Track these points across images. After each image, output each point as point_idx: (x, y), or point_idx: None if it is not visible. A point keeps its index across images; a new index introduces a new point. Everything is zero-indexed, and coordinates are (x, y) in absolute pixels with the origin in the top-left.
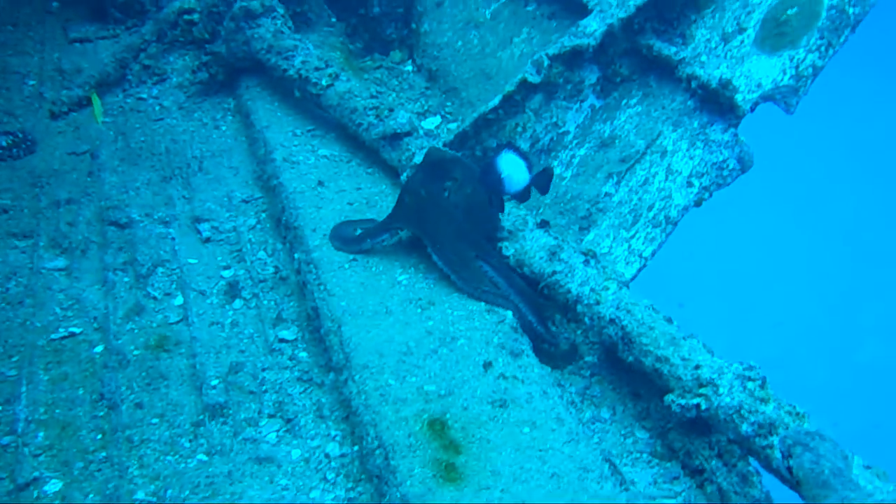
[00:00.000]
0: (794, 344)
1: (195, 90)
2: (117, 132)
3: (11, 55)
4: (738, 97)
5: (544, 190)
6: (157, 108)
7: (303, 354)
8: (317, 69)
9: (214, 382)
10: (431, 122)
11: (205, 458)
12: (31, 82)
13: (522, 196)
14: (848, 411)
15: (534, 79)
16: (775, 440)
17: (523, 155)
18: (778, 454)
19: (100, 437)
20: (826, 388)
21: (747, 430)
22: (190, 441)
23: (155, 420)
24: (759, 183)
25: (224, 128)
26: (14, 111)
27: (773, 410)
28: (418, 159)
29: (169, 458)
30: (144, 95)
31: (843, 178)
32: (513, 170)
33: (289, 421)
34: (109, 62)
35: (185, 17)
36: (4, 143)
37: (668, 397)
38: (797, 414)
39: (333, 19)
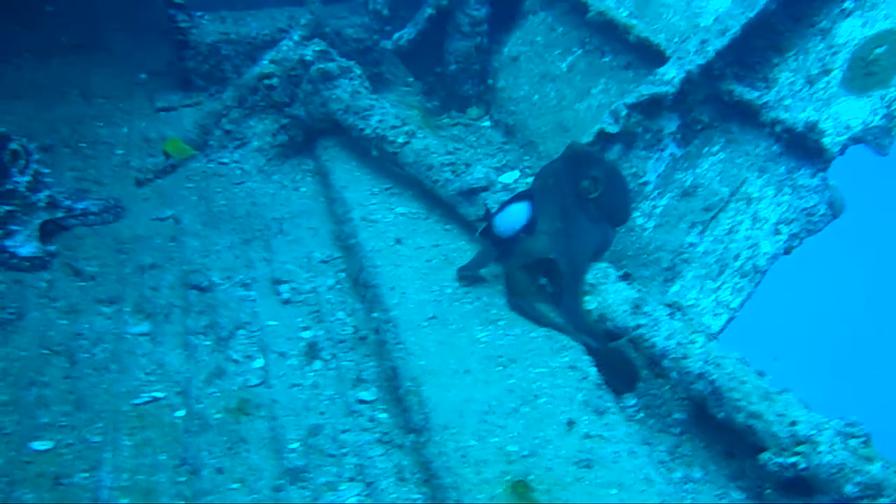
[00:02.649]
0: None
1: (275, 153)
2: (200, 197)
3: (102, 126)
4: (826, 140)
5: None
6: (238, 171)
7: (383, 416)
8: (393, 127)
9: (294, 446)
10: (510, 177)
11: None
12: (119, 151)
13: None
14: None
15: (612, 129)
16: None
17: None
18: None
19: (181, 502)
20: None
21: (852, 491)
22: None
23: (235, 485)
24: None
25: (303, 189)
26: (102, 180)
27: (879, 470)
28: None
29: None
30: (226, 160)
31: None
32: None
33: (369, 484)
34: (192, 128)
35: (265, 81)
36: (95, 209)
37: (764, 455)
38: None
39: (410, 79)
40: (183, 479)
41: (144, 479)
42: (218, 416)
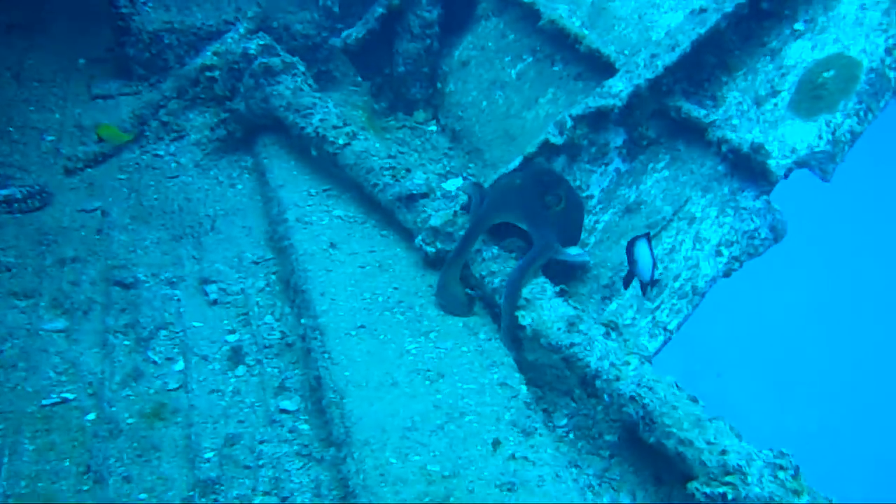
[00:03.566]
0: (839, 412)
1: (213, 148)
2: (131, 189)
3: (34, 111)
4: (772, 162)
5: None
6: (174, 165)
7: (304, 427)
8: (334, 127)
9: (209, 455)
10: (453, 184)
11: None
12: (50, 138)
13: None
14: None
15: (556, 140)
16: None
17: (653, 252)
18: None
19: None
20: (875, 459)
21: None
22: None
23: (142, 495)
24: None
25: (240, 186)
26: (29, 167)
27: None
28: (434, 222)
29: None
30: (161, 152)
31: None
32: (645, 259)
33: (284, 499)
34: (128, 118)
35: (207, 73)
36: (19, 195)
37: (692, 485)
38: None
39: (359, 78)
40: (86, 487)
41: (44, 487)
42: (131, 420)
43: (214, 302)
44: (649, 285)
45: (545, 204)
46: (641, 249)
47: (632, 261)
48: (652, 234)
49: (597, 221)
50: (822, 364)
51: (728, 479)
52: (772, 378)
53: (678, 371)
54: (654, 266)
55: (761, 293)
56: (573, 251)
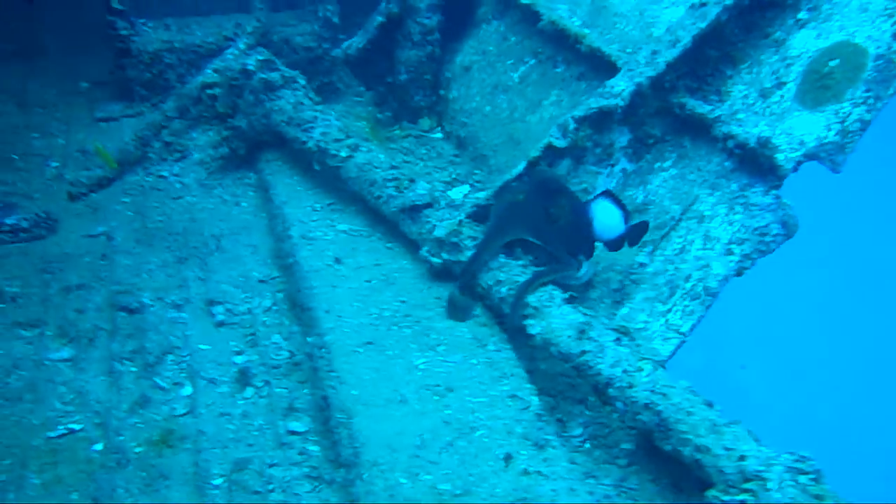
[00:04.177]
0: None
1: (216, 166)
2: (135, 212)
3: (37, 137)
4: (780, 156)
5: (634, 243)
6: (178, 185)
7: (314, 448)
8: (336, 140)
9: (217, 481)
10: (459, 192)
11: None
12: (54, 164)
13: (614, 245)
14: None
15: (560, 143)
16: None
17: (620, 204)
18: None
19: None
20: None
21: None
22: None
23: None
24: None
25: (244, 204)
26: (33, 194)
27: None
28: (438, 233)
29: None
30: (165, 173)
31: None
32: (607, 217)
33: None
34: (130, 140)
35: (208, 91)
36: (26, 225)
37: (710, 493)
38: None
39: (362, 88)
40: None
41: None
42: (139, 449)
43: (221, 323)
44: (621, 242)
45: (551, 217)
46: (599, 207)
47: (587, 222)
48: (661, 234)
49: None
50: (846, 354)
51: (747, 485)
52: (797, 369)
53: (700, 365)
54: (627, 221)
55: (785, 284)
56: (583, 270)
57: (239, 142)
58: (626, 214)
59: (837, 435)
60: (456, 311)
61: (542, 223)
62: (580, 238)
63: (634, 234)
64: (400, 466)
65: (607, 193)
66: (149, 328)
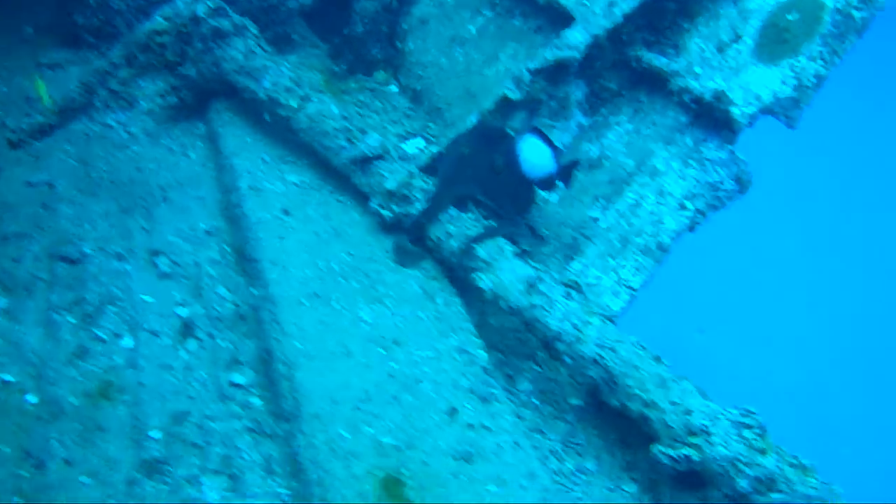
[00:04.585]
0: (820, 368)
1: (165, 116)
2: (79, 161)
3: None
4: (735, 111)
5: (566, 182)
6: (124, 135)
7: (256, 401)
8: (287, 90)
9: (156, 434)
10: (414, 145)
11: None
12: None
13: (545, 185)
14: (877, 438)
15: (514, 95)
16: (776, 498)
17: (549, 141)
18: None
19: (19, 500)
20: (855, 414)
21: (744, 486)
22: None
23: (85, 479)
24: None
25: (193, 155)
26: None
27: (773, 463)
28: (389, 185)
29: None
30: (112, 122)
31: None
32: (535, 156)
33: (234, 478)
34: (75, 87)
35: (157, 39)
36: None
37: (655, 447)
38: (801, 467)
39: (318, 40)
40: (26, 473)
41: None
42: (75, 401)
43: (165, 275)
44: (552, 181)
45: (495, 169)
46: (527, 145)
47: (513, 159)
48: (615, 189)
49: None
50: (807, 319)
51: (693, 440)
52: (757, 334)
53: (658, 328)
54: (557, 159)
55: (744, 245)
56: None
57: (188, 91)
58: (556, 152)
59: (800, 400)
60: (405, 256)
61: (488, 175)
62: (516, 181)
63: (565, 173)
64: (342, 419)
65: (534, 130)
66: (89, 279)
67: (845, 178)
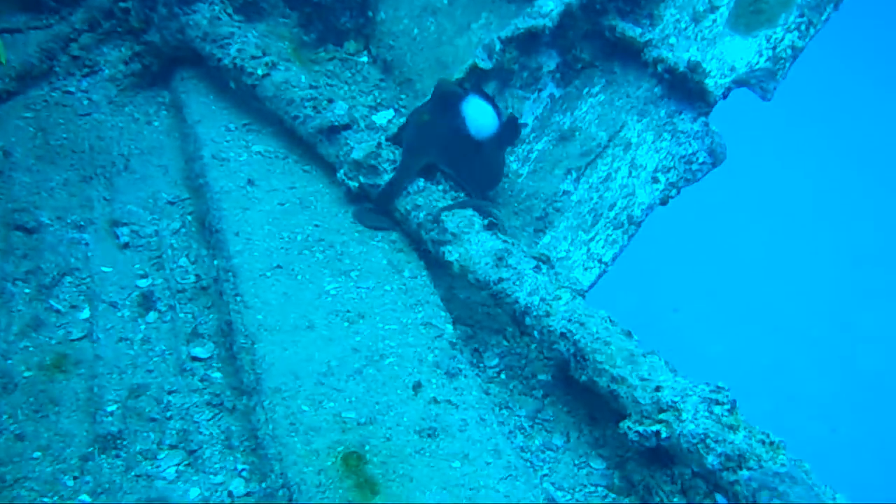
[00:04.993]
0: (794, 348)
1: (128, 83)
2: (38, 128)
3: None
4: (709, 82)
5: (511, 142)
6: (85, 102)
7: (216, 375)
8: (253, 58)
9: (112, 408)
10: (384, 117)
11: (88, 499)
12: None
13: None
14: (847, 417)
15: (485, 64)
16: (745, 475)
17: (491, 101)
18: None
19: None
20: (827, 393)
21: (713, 463)
22: (74, 479)
23: (37, 454)
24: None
25: (157, 123)
26: None
27: (743, 440)
28: (356, 155)
29: (46, 500)
30: (72, 89)
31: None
32: (479, 116)
33: (192, 453)
34: (34, 52)
35: (120, 3)
36: None
37: (624, 423)
38: (771, 444)
39: (287, 9)
40: None
41: None
42: (28, 374)
43: (126, 245)
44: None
45: (457, 132)
46: (471, 106)
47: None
48: (586, 162)
49: (530, 151)
50: (783, 298)
51: (662, 416)
52: (732, 313)
53: (632, 307)
54: (499, 116)
55: (720, 225)
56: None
57: (152, 58)
58: (499, 111)
59: (774, 379)
60: (370, 218)
61: (449, 141)
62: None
63: (508, 133)
64: (303, 394)
65: (476, 89)
66: (46, 248)
67: (822, 155)
